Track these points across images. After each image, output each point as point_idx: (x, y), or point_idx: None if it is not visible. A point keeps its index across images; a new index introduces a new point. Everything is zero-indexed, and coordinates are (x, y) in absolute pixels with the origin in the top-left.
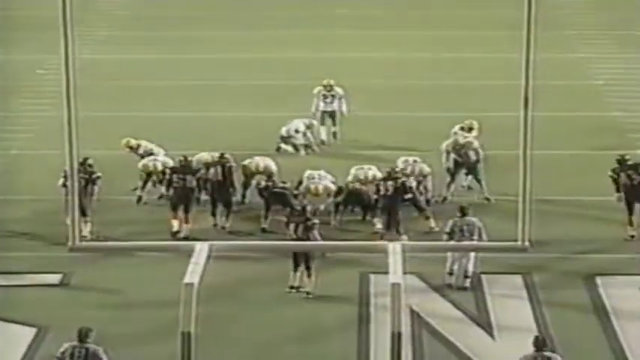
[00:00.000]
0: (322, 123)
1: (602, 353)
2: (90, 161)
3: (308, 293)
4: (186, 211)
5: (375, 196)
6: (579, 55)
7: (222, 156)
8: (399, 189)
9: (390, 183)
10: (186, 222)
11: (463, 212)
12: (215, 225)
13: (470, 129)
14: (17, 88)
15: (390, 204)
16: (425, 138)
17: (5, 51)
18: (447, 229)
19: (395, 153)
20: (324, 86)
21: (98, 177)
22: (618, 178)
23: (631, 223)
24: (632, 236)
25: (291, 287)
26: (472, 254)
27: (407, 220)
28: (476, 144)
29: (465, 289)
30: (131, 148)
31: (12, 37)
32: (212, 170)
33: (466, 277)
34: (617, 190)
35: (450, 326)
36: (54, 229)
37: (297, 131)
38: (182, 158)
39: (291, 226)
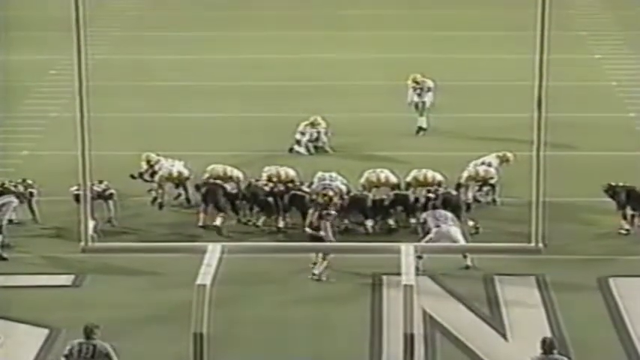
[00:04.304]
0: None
1: (615, 354)
2: (105, 182)
3: (314, 274)
4: (218, 209)
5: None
6: (593, 56)
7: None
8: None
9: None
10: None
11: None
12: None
13: (507, 160)
14: (29, 88)
15: None
16: (438, 139)
17: (18, 51)
18: (421, 220)
19: (410, 154)
20: (414, 80)
21: (111, 194)
22: None
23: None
24: (628, 230)
25: (314, 266)
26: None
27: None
28: (492, 172)
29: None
30: (149, 162)
31: (24, 37)
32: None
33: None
34: None
35: (463, 327)
36: (65, 230)
37: (303, 133)
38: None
39: (308, 217)
